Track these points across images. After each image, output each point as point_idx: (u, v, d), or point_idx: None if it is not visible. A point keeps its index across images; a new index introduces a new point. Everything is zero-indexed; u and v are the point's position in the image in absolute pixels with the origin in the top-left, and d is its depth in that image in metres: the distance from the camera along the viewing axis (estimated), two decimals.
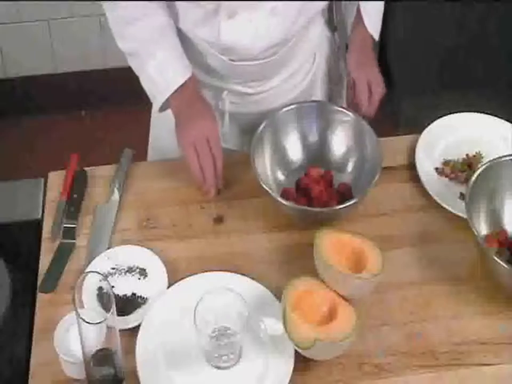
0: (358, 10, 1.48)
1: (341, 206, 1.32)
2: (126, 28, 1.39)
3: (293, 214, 1.38)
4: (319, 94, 1.59)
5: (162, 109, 1.43)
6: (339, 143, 1.46)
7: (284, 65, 1.48)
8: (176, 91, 1.38)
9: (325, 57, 1.57)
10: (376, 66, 1.52)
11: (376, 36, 1.50)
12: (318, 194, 1.39)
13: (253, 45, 1.38)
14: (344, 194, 1.40)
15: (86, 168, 1.48)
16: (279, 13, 1.34)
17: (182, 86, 1.38)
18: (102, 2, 1.39)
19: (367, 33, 1.48)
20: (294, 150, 1.46)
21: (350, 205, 1.31)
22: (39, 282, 1.30)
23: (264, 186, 1.33)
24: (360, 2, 1.47)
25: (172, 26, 1.39)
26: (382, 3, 1.51)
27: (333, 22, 1.56)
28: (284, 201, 1.32)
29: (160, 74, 1.39)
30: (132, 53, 1.40)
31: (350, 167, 1.45)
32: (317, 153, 1.46)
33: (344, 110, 1.45)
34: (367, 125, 1.42)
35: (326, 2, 1.44)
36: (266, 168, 1.42)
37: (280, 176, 1.44)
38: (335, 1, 1.52)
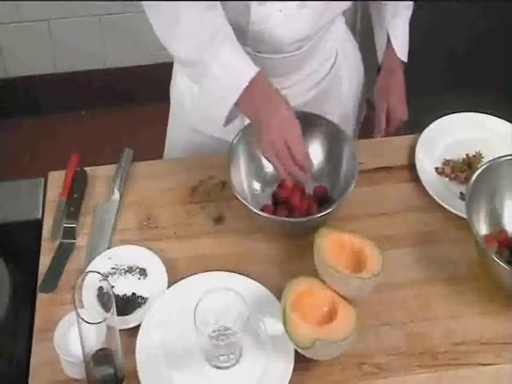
0: (387, 35, 1.53)
1: (325, 212, 1.28)
2: (179, 32, 1.28)
3: (276, 228, 1.37)
4: (341, 92, 1.60)
5: (230, 117, 1.32)
6: (315, 150, 1.42)
7: (306, 62, 1.48)
8: (246, 89, 1.26)
9: (347, 57, 1.59)
10: (403, 90, 1.58)
11: (404, 58, 1.56)
12: (298, 204, 1.37)
13: (282, 35, 1.37)
14: (322, 196, 1.39)
15: (86, 168, 1.48)
16: (307, 6, 1.34)
17: (252, 82, 1.26)
18: (145, 7, 1.31)
19: (395, 56, 1.55)
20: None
21: (331, 211, 1.29)
22: (39, 282, 1.30)
23: (244, 202, 1.30)
24: (389, 27, 1.53)
25: (227, 25, 1.30)
26: (407, 25, 1.55)
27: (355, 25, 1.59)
28: (270, 216, 1.30)
29: (228, 73, 1.27)
30: (191, 61, 1.30)
31: (326, 172, 1.42)
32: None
33: (320, 117, 1.42)
34: (343, 130, 1.40)
35: (350, 2, 1.44)
36: (242, 180, 1.39)
37: (256, 186, 1.42)
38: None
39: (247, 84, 1.27)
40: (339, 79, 1.59)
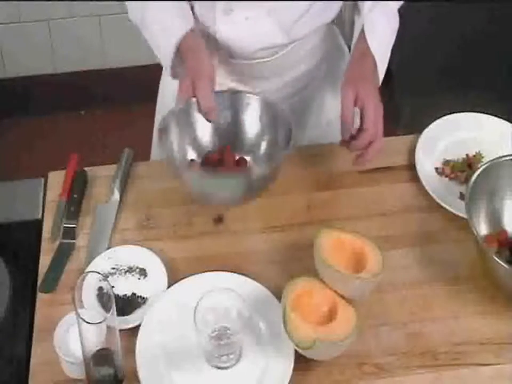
0: (363, 30, 1.35)
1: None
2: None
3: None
4: (324, 102, 1.59)
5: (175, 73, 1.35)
6: (250, 128, 1.40)
7: (285, 68, 1.48)
8: (178, 48, 1.29)
9: (335, 68, 1.56)
10: (373, 83, 1.32)
11: (380, 61, 1.32)
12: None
13: (248, 44, 1.37)
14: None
15: (86, 168, 1.48)
16: (275, 15, 1.34)
17: (183, 40, 1.29)
18: None
19: (368, 50, 1.32)
20: (205, 135, 1.39)
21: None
22: (39, 282, 1.30)
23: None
24: (365, 23, 1.34)
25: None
26: (393, 35, 1.39)
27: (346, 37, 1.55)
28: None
29: (163, 34, 1.32)
30: (141, 23, 1.36)
31: (262, 149, 1.39)
32: (230, 138, 1.40)
33: (255, 96, 1.38)
34: (280, 107, 1.36)
35: (330, 17, 1.42)
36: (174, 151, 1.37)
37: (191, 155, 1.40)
38: (347, 16, 1.50)
39: (175, 45, 1.29)
40: (322, 90, 1.57)
